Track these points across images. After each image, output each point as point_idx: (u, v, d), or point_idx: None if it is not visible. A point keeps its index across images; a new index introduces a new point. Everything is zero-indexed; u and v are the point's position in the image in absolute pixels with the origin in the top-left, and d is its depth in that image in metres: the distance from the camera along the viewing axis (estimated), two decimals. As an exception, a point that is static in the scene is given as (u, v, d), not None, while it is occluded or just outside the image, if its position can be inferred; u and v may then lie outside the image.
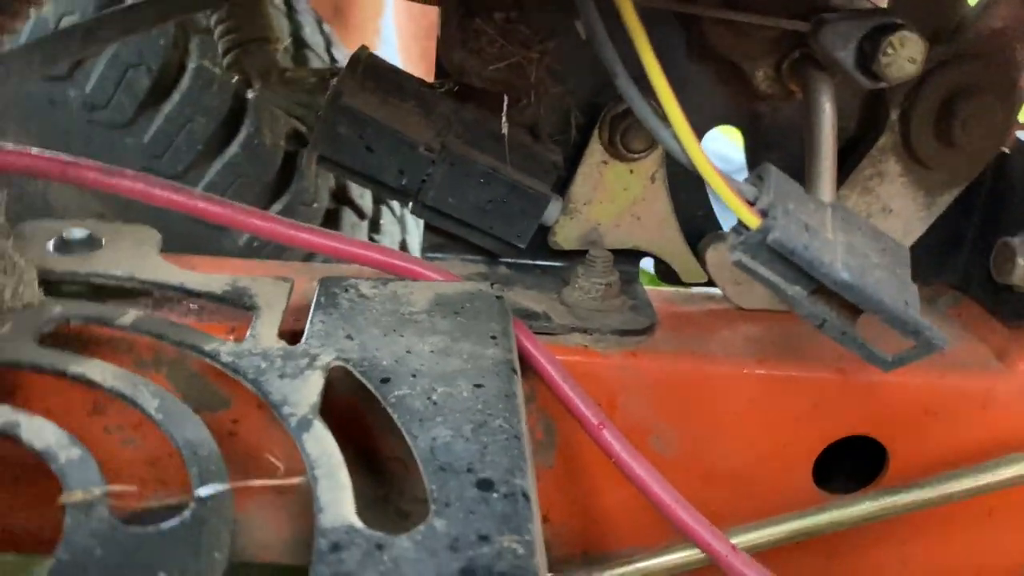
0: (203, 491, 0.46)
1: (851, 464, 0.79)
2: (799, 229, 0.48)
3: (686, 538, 0.64)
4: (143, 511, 0.48)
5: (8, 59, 0.52)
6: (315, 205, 1.14)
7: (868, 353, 0.52)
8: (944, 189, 0.80)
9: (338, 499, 0.46)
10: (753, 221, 0.48)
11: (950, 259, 0.86)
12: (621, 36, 0.55)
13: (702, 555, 0.73)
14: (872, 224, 0.54)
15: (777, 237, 0.47)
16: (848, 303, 0.50)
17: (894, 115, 0.76)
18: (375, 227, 1.27)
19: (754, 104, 0.79)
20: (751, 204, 0.49)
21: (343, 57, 1.31)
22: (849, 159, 0.79)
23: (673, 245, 0.81)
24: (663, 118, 0.50)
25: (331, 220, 1.20)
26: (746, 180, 0.51)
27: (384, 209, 1.31)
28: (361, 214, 1.23)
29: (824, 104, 0.68)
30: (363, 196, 1.25)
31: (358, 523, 0.44)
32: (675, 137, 0.48)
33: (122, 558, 0.41)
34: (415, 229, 1.43)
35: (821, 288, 0.50)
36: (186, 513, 0.44)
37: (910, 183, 0.79)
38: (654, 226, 0.80)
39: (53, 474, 0.71)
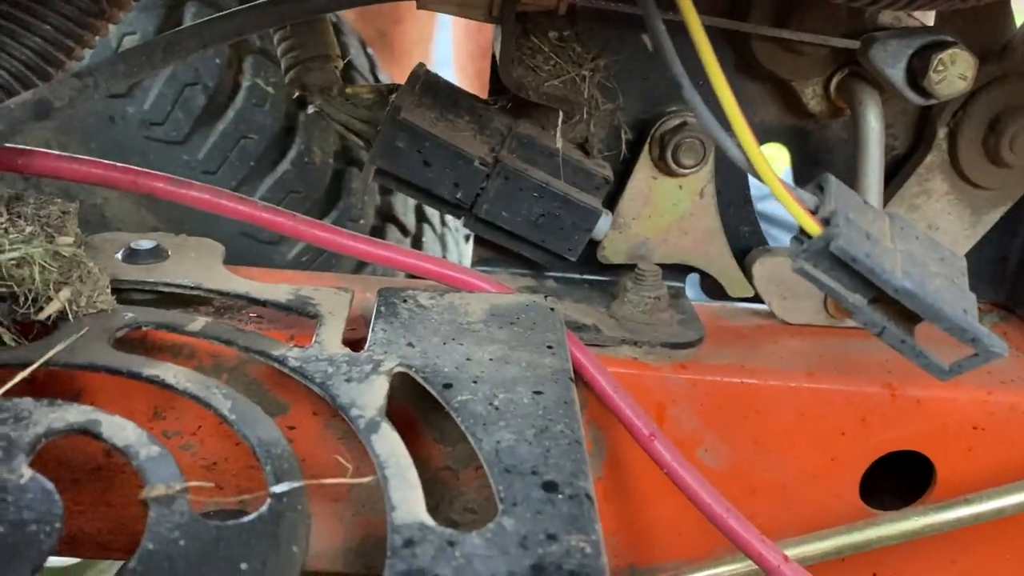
0: (278, 488, 0.47)
1: (897, 482, 0.80)
2: (861, 237, 0.49)
3: (738, 549, 0.64)
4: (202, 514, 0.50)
5: (96, 71, 0.55)
6: (361, 222, 1.17)
7: (926, 361, 0.53)
8: (990, 207, 0.81)
9: (409, 498, 0.47)
10: (815, 229, 0.49)
11: (996, 277, 0.86)
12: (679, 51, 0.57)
13: (750, 568, 0.73)
14: (928, 234, 0.55)
15: (840, 245, 0.48)
16: (907, 311, 0.51)
17: (941, 133, 0.77)
18: (417, 244, 1.30)
19: (801, 122, 0.80)
20: (813, 213, 0.50)
21: (387, 80, 1.34)
22: (896, 177, 0.80)
23: (721, 260, 0.82)
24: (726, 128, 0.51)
25: (376, 236, 1.22)
26: (806, 189, 0.53)
27: (426, 227, 1.33)
28: (405, 231, 1.26)
29: (872, 121, 0.69)
30: (407, 213, 1.28)
31: (429, 520, 0.45)
32: (738, 145, 0.50)
33: (205, 549, 0.43)
34: (454, 247, 1.45)
35: (881, 296, 0.51)
36: (263, 508, 0.46)
37: (956, 201, 0.80)
38: (702, 241, 0.81)
39: (113, 480, 0.74)
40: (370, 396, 0.55)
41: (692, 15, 0.47)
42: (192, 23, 0.62)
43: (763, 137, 0.81)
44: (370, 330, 0.63)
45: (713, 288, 0.85)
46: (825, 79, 0.75)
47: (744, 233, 0.83)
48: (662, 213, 0.80)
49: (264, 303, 0.68)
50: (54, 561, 1.42)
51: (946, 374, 0.53)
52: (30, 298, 0.60)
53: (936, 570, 0.81)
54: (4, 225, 0.62)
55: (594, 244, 0.81)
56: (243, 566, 0.42)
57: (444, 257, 1.38)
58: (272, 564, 0.42)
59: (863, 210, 0.51)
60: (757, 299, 0.84)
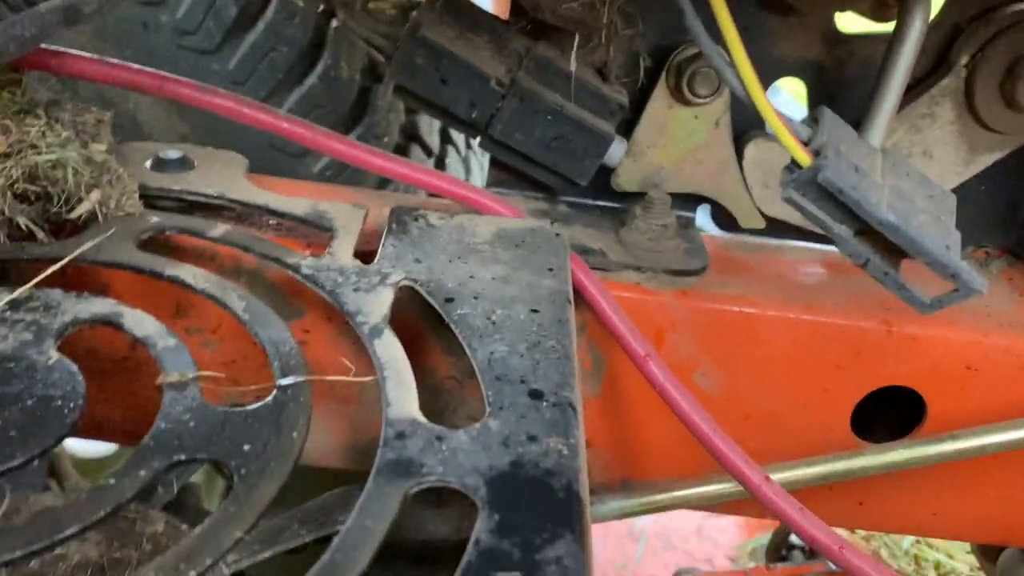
0: (284, 381, 0.51)
1: (893, 421, 0.81)
2: (849, 170, 0.50)
3: (721, 466, 0.67)
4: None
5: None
6: (385, 139, 1.18)
7: (908, 294, 0.54)
8: (987, 150, 0.80)
9: (404, 397, 0.50)
10: (805, 159, 0.51)
11: (1007, 223, 0.86)
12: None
13: (737, 488, 0.76)
14: (921, 171, 0.56)
15: (827, 176, 0.50)
16: (892, 245, 0.53)
17: (963, 60, 0.76)
18: (440, 165, 1.32)
19: (820, 57, 0.80)
20: (805, 144, 0.51)
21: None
22: (909, 94, 0.79)
23: (733, 190, 0.83)
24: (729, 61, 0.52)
25: (400, 155, 1.24)
26: (803, 121, 0.54)
27: (450, 148, 1.35)
28: (428, 151, 1.28)
29: (916, 22, 0.66)
30: (431, 134, 1.29)
31: (421, 417, 0.49)
32: (738, 76, 0.51)
33: (213, 430, 0.47)
34: (478, 171, 1.46)
35: (867, 229, 0.52)
36: (268, 398, 0.49)
37: (957, 134, 0.79)
38: (716, 171, 0.82)
39: (137, 371, 0.78)
40: (375, 305, 0.58)
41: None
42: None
43: (781, 71, 0.81)
44: (380, 245, 0.66)
45: (725, 219, 0.86)
46: None
47: None
48: (677, 142, 0.81)
49: (283, 215, 0.71)
50: (91, 452, 1.50)
51: (927, 308, 0.55)
52: (63, 199, 0.64)
53: (922, 503, 0.84)
54: (42, 129, 0.65)
55: (609, 170, 0.82)
56: (246, 447, 0.46)
57: (467, 180, 1.40)
58: (272, 447, 0.46)
59: (856, 144, 0.52)
60: (767, 232, 0.85)
